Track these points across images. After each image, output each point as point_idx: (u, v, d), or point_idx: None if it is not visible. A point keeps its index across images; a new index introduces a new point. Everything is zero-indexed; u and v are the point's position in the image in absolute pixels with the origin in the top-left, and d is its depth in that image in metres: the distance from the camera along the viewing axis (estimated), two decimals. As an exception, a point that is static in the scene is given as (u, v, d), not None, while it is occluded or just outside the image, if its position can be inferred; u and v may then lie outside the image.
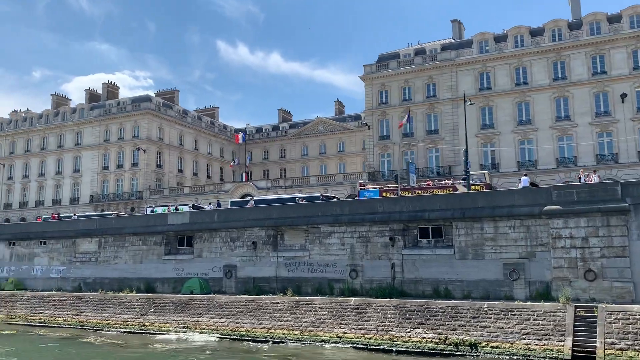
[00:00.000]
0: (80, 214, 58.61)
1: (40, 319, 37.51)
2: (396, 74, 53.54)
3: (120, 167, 68.11)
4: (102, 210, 66.41)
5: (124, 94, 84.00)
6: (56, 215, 63.01)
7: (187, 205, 50.27)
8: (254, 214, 34.54)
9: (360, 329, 26.19)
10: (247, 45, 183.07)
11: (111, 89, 74.64)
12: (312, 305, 28.76)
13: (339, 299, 28.51)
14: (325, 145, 78.81)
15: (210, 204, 47.61)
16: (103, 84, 74.90)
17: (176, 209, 43.06)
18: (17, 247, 45.98)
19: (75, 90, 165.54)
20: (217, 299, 32.01)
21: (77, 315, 36.18)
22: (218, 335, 29.34)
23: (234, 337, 28.68)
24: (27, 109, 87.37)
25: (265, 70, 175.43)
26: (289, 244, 33.22)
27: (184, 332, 30.63)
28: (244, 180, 59.93)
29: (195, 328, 30.54)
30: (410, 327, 25.11)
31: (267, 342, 27.41)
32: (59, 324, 35.96)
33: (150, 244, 38.42)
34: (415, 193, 35.98)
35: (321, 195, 46.04)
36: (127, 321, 33.52)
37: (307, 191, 54.82)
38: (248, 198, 47.84)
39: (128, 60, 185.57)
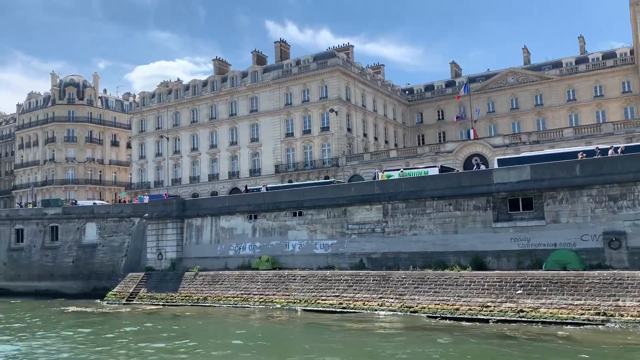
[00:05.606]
0: (270, 185, 52.41)
1: (340, 302, 30.98)
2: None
3: (307, 133, 61.35)
4: (290, 181, 60.22)
5: (186, 81, 78.01)
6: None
7: (398, 170, 42.63)
8: (647, 162, 26.00)
9: None
10: (295, 24, 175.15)
11: (284, 49, 67.79)
12: None
13: None
14: (517, 99, 69.00)
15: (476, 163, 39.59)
16: (275, 42, 68.12)
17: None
18: (262, 220, 39.85)
19: (138, 79, 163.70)
20: None
21: (397, 298, 29.26)
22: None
23: None
24: (178, 79, 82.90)
25: (316, 48, 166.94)
26: None
27: (601, 321, 22.82)
28: (472, 137, 51.51)
29: (620, 315, 22.63)
30: None
31: None
32: (374, 309, 29.23)
33: (468, 209, 30.78)
34: None
35: (596, 148, 36.91)
36: (487, 306, 26.17)
37: (562, 145, 45.76)
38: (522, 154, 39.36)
39: (184, 47, 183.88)
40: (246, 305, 34.32)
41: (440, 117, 74.52)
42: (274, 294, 34.21)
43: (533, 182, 28.79)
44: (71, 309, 37.59)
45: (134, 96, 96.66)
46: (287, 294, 33.66)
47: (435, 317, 26.58)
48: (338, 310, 30.42)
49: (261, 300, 34.30)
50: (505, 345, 20.66)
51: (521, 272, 26.95)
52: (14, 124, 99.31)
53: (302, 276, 34.44)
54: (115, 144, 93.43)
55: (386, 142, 69.51)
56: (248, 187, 55.49)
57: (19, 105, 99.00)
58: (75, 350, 23.57)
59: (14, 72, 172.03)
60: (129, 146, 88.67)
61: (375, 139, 67.31)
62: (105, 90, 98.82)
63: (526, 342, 20.97)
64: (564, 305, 24.24)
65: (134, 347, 23.40)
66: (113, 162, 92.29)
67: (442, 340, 21.99)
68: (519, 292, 25.86)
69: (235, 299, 35.43)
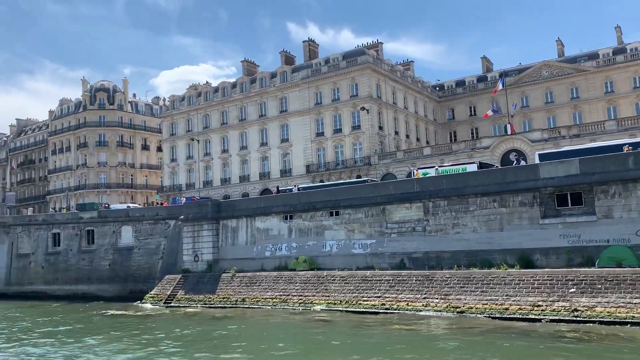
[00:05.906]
0: (302, 185, 51.93)
1: (382, 303, 30.36)
2: None
3: (338, 132, 60.79)
4: (321, 181, 59.71)
5: (214, 83, 78.54)
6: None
7: (432, 167, 41.59)
8: None
9: None
10: (317, 25, 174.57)
11: (312, 48, 67.40)
12: None
13: None
14: (551, 93, 67.22)
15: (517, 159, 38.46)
16: (304, 42, 67.80)
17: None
18: (297, 220, 39.45)
19: (163, 84, 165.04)
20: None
21: (442, 298, 28.50)
22: None
23: None
24: (207, 82, 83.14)
25: (338, 48, 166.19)
26: None
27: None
28: (509, 132, 50.23)
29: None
30: None
31: None
32: (418, 310, 28.52)
33: (514, 205, 29.84)
34: None
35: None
36: (538, 305, 25.26)
37: (603, 139, 44.20)
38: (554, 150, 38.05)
39: (207, 51, 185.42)
40: (285, 307, 33.93)
41: (473, 112, 73.11)
42: (313, 295, 33.75)
43: (582, 176, 27.71)
44: (111, 312, 37.74)
45: (164, 100, 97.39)
46: (327, 295, 33.15)
47: (487, 317, 25.76)
48: (380, 311, 29.80)
49: (300, 301, 33.86)
50: (568, 348, 19.73)
51: (573, 269, 25.92)
52: (46, 130, 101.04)
53: (342, 277, 33.89)
54: (145, 147, 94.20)
55: (417, 139, 68.50)
56: (279, 188, 55.31)
57: (51, 112, 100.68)
58: (124, 352, 23.42)
59: (43, 80, 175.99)
60: (159, 149, 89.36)
61: (407, 136, 66.37)
62: (134, 95, 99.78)
63: (590, 342, 20.09)
64: (622, 304, 23.17)
65: (183, 352, 23.12)
66: (144, 165, 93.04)
67: (499, 341, 21.21)
68: (572, 290, 24.86)
69: (274, 300, 35.08)
